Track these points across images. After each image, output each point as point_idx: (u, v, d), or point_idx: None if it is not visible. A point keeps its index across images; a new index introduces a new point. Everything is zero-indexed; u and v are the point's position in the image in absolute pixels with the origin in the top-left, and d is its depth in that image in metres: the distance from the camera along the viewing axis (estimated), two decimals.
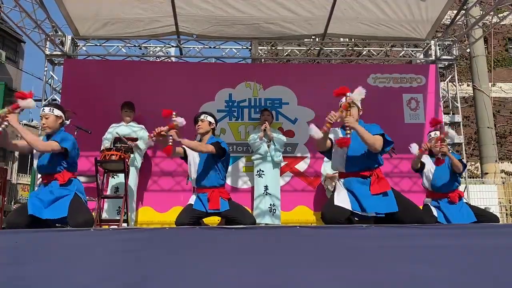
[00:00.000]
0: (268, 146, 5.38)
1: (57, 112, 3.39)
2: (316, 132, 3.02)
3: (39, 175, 3.41)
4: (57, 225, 3.45)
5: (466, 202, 4.21)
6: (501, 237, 2.63)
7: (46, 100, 6.20)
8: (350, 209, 3.07)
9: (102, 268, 2.37)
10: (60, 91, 6.09)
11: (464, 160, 4.53)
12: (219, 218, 4.04)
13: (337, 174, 5.02)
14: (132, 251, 2.44)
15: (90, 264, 2.38)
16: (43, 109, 3.40)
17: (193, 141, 3.63)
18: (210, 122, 3.82)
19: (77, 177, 3.47)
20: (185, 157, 3.84)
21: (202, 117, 3.81)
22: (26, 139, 3.13)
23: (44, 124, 3.35)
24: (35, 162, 3.39)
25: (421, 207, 3.91)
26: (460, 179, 4.18)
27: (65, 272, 2.34)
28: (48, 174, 3.33)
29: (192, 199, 3.73)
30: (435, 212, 3.96)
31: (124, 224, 4.59)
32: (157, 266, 2.37)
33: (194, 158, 3.76)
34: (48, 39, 6.09)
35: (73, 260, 2.38)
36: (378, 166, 3.21)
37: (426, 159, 4.15)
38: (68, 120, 3.58)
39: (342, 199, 3.11)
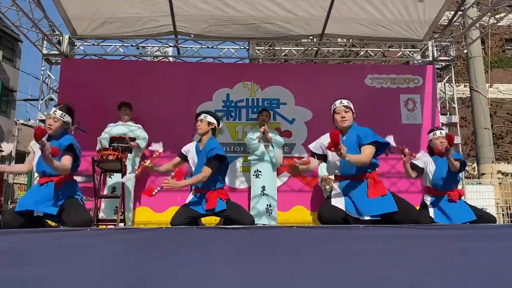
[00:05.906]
0: (266, 147, 5.38)
1: (67, 118, 3.34)
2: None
3: (36, 175, 3.37)
4: (52, 223, 3.45)
5: (464, 202, 4.20)
6: (499, 239, 2.64)
7: (43, 100, 6.19)
8: (345, 210, 3.07)
9: (100, 268, 2.36)
10: (57, 90, 6.07)
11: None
12: (218, 218, 4.03)
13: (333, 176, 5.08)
14: (130, 251, 2.44)
15: (88, 264, 2.37)
16: (55, 111, 3.30)
17: (188, 180, 3.61)
18: (209, 122, 3.69)
19: (73, 176, 3.44)
20: (185, 159, 3.80)
21: (201, 116, 3.70)
22: (56, 169, 3.12)
23: (50, 125, 3.27)
24: (35, 163, 3.33)
25: (418, 207, 3.90)
26: (460, 177, 4.14)
27: (63, 273, 2.34)
28: (46, 176, 3.27)
29: (189, 199, 3.70)
30: (432, 211, 3.95)
31: (121, 224, 4.59)
32: (155, 266, 2.37)
33: (193, 158, 3.72)
34: (45, 38, 6.08)
35: (71, 261, 2.38)
36: (374, 169, 3.20)
37: (424, 158, 4.09)
38: (73, 126, 3.49)
39: (338, 201, 3.13)
